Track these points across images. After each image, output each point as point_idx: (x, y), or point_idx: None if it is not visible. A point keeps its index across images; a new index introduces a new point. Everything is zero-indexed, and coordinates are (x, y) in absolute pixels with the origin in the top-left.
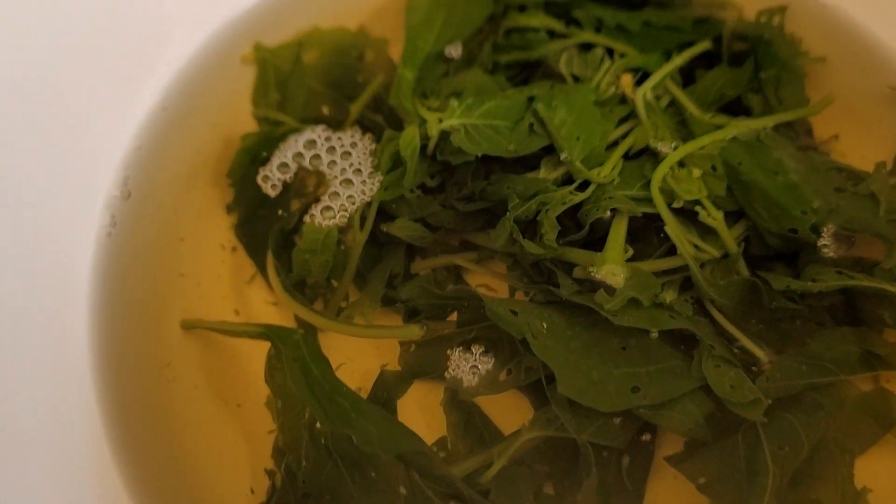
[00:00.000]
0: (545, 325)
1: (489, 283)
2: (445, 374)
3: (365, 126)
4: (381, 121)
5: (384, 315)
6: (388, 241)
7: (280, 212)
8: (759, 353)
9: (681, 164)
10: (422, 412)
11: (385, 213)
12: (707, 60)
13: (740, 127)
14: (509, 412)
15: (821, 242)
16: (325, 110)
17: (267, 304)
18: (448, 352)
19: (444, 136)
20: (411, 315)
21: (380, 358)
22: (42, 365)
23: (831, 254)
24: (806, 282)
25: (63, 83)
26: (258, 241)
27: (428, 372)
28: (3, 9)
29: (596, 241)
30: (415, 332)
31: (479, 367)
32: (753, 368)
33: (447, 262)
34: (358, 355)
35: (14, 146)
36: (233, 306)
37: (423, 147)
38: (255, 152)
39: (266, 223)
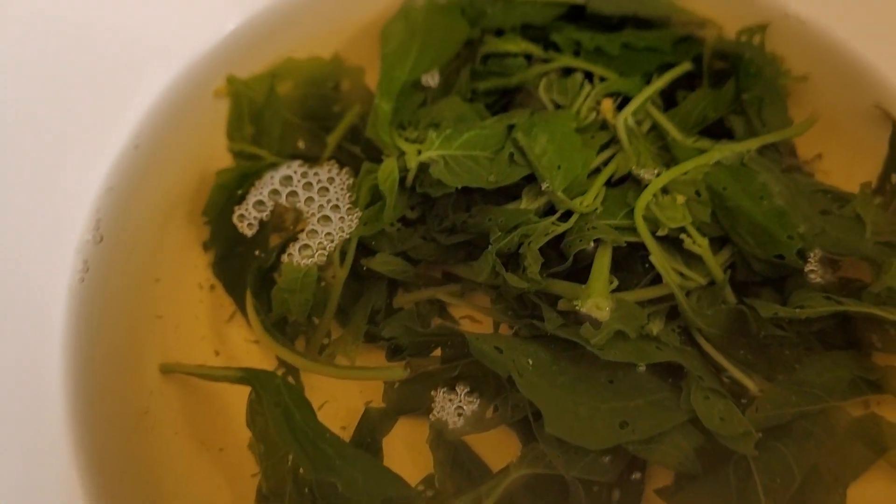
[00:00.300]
0: (531, 362)
1: (474, 315)
2: (430, 416)
3: (342, 158)
4: (359, 152)
5: (367, 351)
6: (370, 276)
7: (257, 252)
8: (748, 382)
9: (664, 190)
10: (408, 449)
11: (365, 247)
12: (688, 81)
13: (724, 151)
14: (497, 448)
15: (808, 268)
16: (302, 142)
17: (248, 343)
18: (432, 393)
19: (424, 167)
20: (395, 352)
21: (364, 395)
22: (15, 416)
23: (818, 279)
24: (794, 308)
25: (30, 126)
26: (237, 279)
27: (413, 409)
28: None
29: (581, 269)
30: (398, 373)
31: (465, 407)
32: (743, 401)
33: (430, 296)
34: (341, 393)
35: None
36: (213, 347)
37: (402, 179)
38: (231, 189)
39: (244, 261)
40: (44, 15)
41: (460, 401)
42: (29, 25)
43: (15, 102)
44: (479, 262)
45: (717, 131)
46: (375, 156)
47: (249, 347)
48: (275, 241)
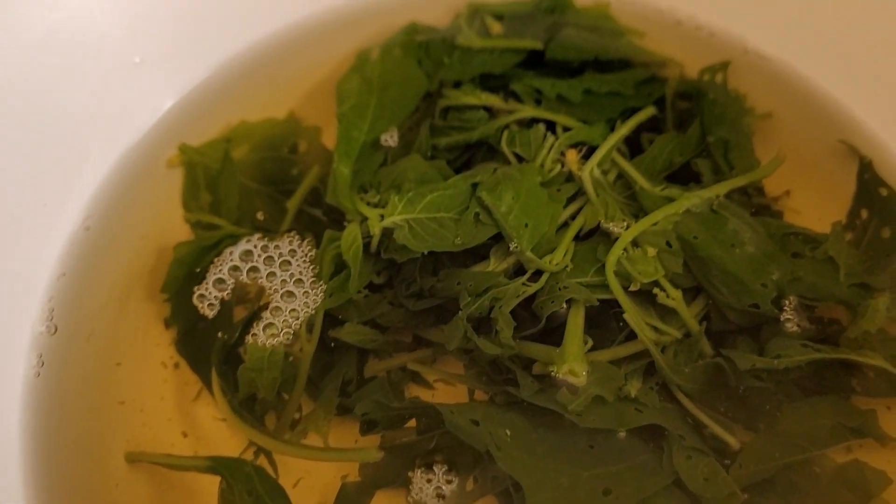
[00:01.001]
0: (508, 432)
1: (447, 378)
2: (408, 498)
3: (303, 221)
4: (320, 214)
5: (340, 424)
6: (338, 346)
7: (220, 333)
8: (729, 438)
9: (634, 243)
10: None
11: (332, 316)
12: (653, 123)
13: (692, 199)
14: None
15: (784, 316)
16: (261, 208)
17: (216, 421)
18: (409, 474)
19: (388, 232)
20: (368, 427)
21: (340, 469)
22: None
23: (795, 327)
24: (771, 359)
25: None
26: (201, 355)
27: (390, 482)
28: None
29: (554, 328)
30: (373, 454)
31: (444, 487)
32: (727, 461)
33: (401, 363)
34: (316, 469)
35: None
36: (180, 428)
37: (366, 245)
38: (190, 263)
39: (207, 336)
40: None
41: (438, 481)
42: None
43: None
44: (450, 327)
45: (685, 175)
46: (337, 217)
47: (219, 426)
48: (239, 313)
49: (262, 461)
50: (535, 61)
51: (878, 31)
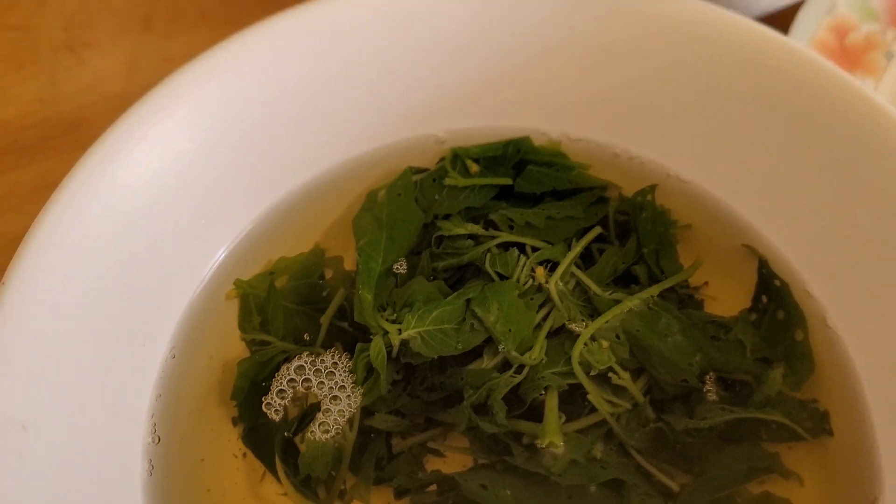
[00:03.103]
0: (509, 492)
1: (456, 451)
2: None
3: (333, 332)
4: (347, 326)
5: (378, 492)
6: (371, 430)
7: (285, 433)
8: (671, 483)
9: (592, 337)
10: None
11: (365, 408)
12: (600, 235)
13: (633, 300)
14: None
15: (706, 388)
16: (300, 323)
17: (279, 496)
18: None
19: (404, 342)
20: (400, 493)
21: None
22: None
23: (714, 395)
24: (699, 420)
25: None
26: (264, 446)
27: None
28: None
29: (537, 407)
30: None
31: None
32: (670, 502)
33: (421, 441)
34: None
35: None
36: None
37: (388, 352)
38: (251, 375)
39: (268, 430)
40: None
41: None
42: (78, 267)
43: (76, 341)
44: (457, 412)
45: (626, 279)
46: (361, 328)
47: (283, 500)
48: (293, 413)
49: None
50: (507, 194)
51: (766, 161)
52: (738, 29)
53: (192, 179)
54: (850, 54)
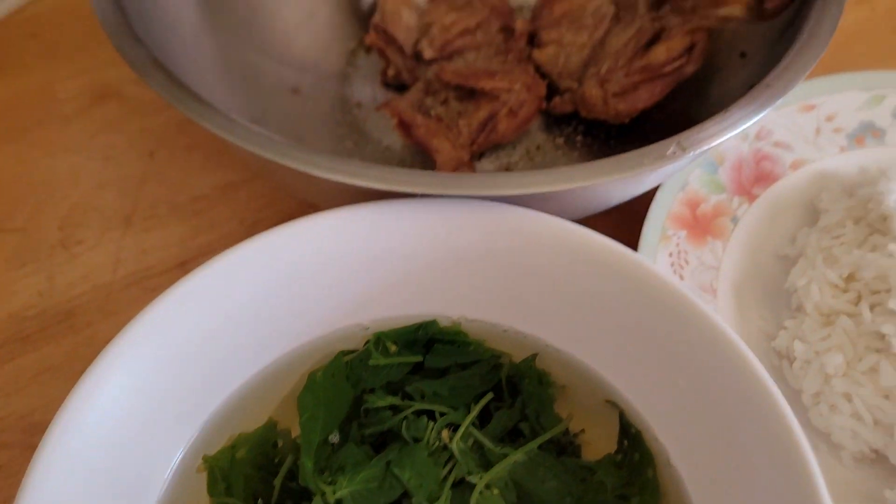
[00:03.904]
0: None
1: None
2: None
3: (286, 491)
4: (295, 486)
5: None
6: None
7: None
8: None
9: (487, 486)
10: None
11: None
12: (496, 396)
13: (518, 454)
14: None
15: None
16: (258, 487)
17: None
18: None
19: (339, 500)
20: None
21: None
22: None
23: None
24: None
25: None
26: None
27: None
28: None
29: None
30: None
31: None
32: None
33: None
34: None
35: None
36: None
37: None
38: None
39: None
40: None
41: None
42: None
43: None
44: None
45: (514, 434)
46: (306, 490)
47: None
48: None
49: None
50: (419, 369)
51: (618, 338)
52: (590, 242)
53: (166, 392)
54: (700, 222)
